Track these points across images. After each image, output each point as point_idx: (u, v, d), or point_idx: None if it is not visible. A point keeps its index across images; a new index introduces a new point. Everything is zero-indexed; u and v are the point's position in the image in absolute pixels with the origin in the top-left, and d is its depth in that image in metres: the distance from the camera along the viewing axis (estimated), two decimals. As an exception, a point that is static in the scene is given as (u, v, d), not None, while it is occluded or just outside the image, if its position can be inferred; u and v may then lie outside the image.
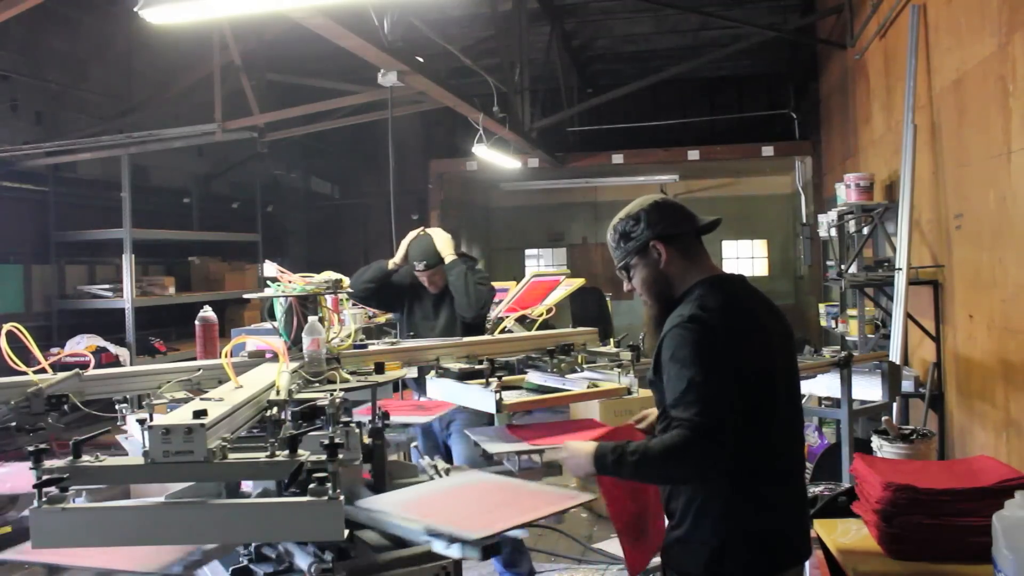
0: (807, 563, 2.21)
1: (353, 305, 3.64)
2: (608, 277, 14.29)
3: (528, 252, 15.00)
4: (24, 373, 2.32)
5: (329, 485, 1.76)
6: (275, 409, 2.17)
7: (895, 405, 4.44)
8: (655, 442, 1.96)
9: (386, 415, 2.56)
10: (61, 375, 2.37)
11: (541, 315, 3.85)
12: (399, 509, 2.13)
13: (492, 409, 2.75)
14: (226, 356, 2.36)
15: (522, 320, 3.86)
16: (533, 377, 3.16)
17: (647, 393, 2.37)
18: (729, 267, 2.35)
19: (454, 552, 1.88)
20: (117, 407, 2.49)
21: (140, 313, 6.71)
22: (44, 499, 1.77)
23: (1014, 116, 3.58)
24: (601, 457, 2.00)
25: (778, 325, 2.18)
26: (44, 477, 1.76)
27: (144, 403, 2.44)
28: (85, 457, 1.87)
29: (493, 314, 4.48)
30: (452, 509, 2.15)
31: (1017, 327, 3.67)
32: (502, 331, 3.61)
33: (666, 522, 2.12)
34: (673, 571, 2.08)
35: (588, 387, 3.03)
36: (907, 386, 4.67)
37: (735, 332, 2.01)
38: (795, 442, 2.17)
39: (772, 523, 2.05)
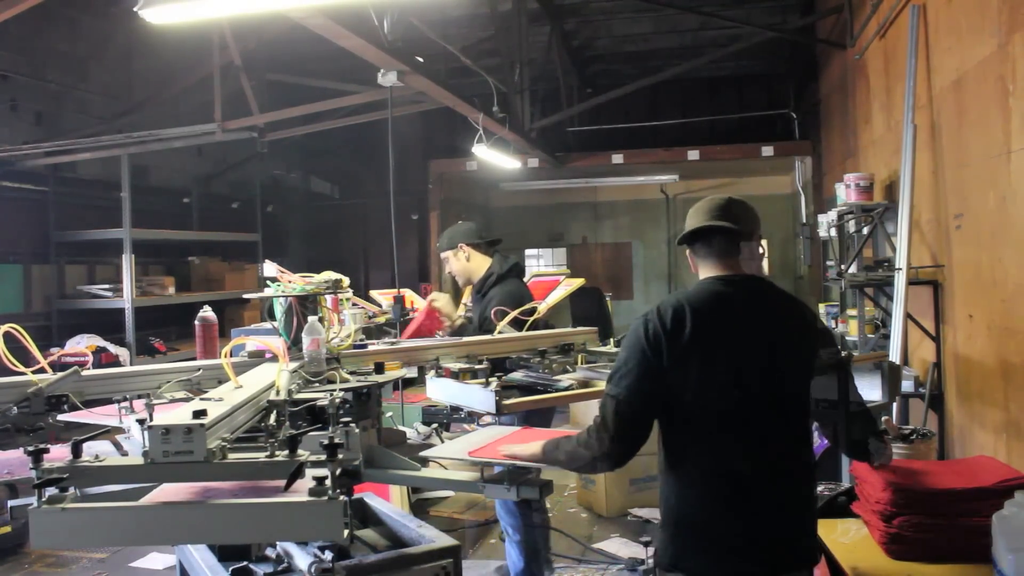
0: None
1: (353, 305, 3.64)
2: (608, 277, 14.32)
3: (528, 252, 14.99)
4: (23, 374, 2.32)
5: (328, 485, 1.76)
6: (275, 409, 2.17)
7: (895, 405, 4.44)
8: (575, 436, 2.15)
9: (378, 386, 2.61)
10: (60, 374, 2.37)
11: (533, 317, 3.85)
12: (464, 455, 2.30)
13: (492, 409, 2.75)
14: (226, 356, 2.36)
15: (516, 322, 3.85)
16: (516, 375, 3.13)
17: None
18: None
19: (513, 495, 2.09)
20: (117, 407, 2.49)
21: (140, 313, 6.72)
22: (44, 499, 1.77)
23: (1014, 116, 3.58)
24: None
25: (768, 327, 2.15)
26: (43, 477, 1.76)
27: (144, 403, 2.44)
28: (85, 457, 1.87)
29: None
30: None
31: (1017, 327, 3.67)
32: (499, 332, 3.61)
33: None
34: (662, 569, 2.15)
35: (571, 383, 3.01)
36: (907, 386, 4.67)
37: (678, 329, 2.05)
38: (771, 445, 2.10)
39: (739, 527, 2.04)
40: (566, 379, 3.05)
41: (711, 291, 2.17)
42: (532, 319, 3.68)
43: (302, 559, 2.36)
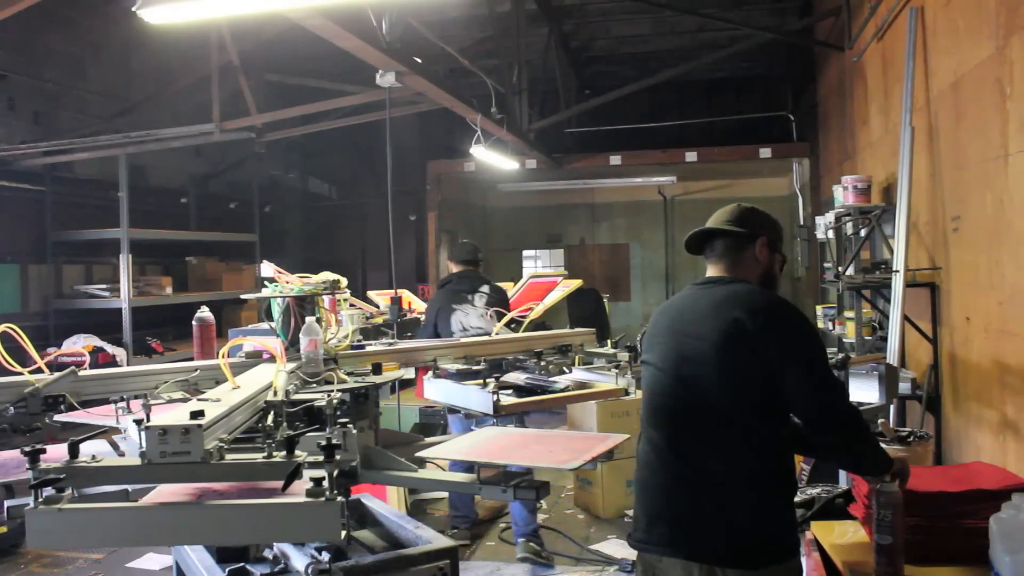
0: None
1: (351, 306, 3.64)
2: (605, 278, 14.32)
3: (526, 253, 14.99)
4: (20, 374, 2.31)
5: (326, 486, 1.75)
6: (272, 410, 2.16)
7: (892, 407, 4.44)
8: None
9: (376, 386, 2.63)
10: (57, 375, 2.36)
11: (529, 318, 3.86)
12: (462, 455, 2.31)
13: (489, 410, 2.75)
14: (223, 357, 2.36)
15: (511, 323, 3.85)
16: (511, 377, 3.11)
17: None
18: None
19: (509, 496, 2.10)
20: (114, 407, 2.49)
21: (137, 313, 6.71)
22: (40, 499, 1.76)
23: (1011, 119, 3.59)
24: None
25: (685, 334, 2.20)
26: (40, 477, 1.76)
27: (141, 404, 2.43)
28: (82, 457, 1.87)
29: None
30: (518, 452, 2.29)
31: (1014, 330, 3.67)
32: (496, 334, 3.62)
33: None
34: None
35: (568, 385, 3.01)
36: (904, 388, 4.67)
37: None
38: (681, 444, 2.16)
39: (639, 509, 2.23)
40: (563, 380, 3.05)
41: (679, 295, 2.35)
42: (528, 322, 3.72)
43: (299, 560, 2.36)
